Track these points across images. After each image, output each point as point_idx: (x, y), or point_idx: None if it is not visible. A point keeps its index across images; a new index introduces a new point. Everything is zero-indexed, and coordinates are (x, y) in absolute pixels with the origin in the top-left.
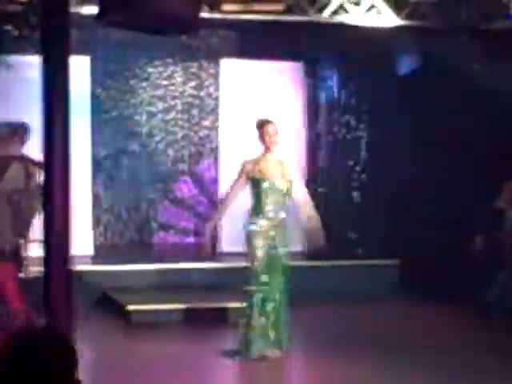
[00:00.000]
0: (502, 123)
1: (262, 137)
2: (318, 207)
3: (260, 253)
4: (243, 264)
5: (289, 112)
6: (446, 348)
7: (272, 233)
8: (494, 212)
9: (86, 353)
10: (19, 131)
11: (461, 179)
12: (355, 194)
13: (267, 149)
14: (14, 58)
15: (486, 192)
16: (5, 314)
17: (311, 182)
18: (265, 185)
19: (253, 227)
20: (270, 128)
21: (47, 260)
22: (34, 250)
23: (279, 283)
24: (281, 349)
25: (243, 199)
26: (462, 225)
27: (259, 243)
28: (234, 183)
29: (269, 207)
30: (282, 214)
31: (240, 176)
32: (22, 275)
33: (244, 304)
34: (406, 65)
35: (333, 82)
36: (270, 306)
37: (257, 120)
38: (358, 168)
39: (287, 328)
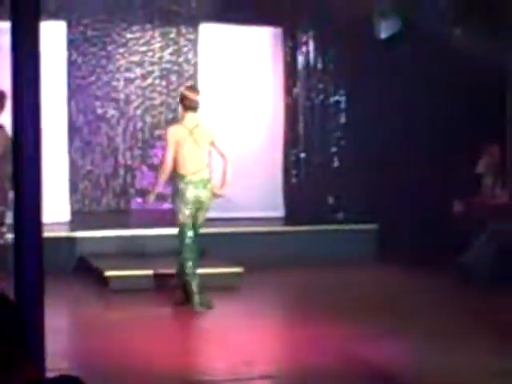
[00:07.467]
0: (482, 87)
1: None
2: (297, 173)
3: (188, 212)
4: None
5: (267, 77)
6: (415, 311)
7: (197, 193)
8: (474, 176)
9: (64, 317)
10: None
11: (442, 143)
12: (334, 159)
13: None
14: None
15: (468, 156)
16: None
17: (291, 148)
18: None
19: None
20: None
21: (18, 227)
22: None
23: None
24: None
25: None
26: (441, 189)
27: (188, 204)
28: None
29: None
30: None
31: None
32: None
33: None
34: (386, 29)
35: (311, 46)
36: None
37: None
38: (337, 133)
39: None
